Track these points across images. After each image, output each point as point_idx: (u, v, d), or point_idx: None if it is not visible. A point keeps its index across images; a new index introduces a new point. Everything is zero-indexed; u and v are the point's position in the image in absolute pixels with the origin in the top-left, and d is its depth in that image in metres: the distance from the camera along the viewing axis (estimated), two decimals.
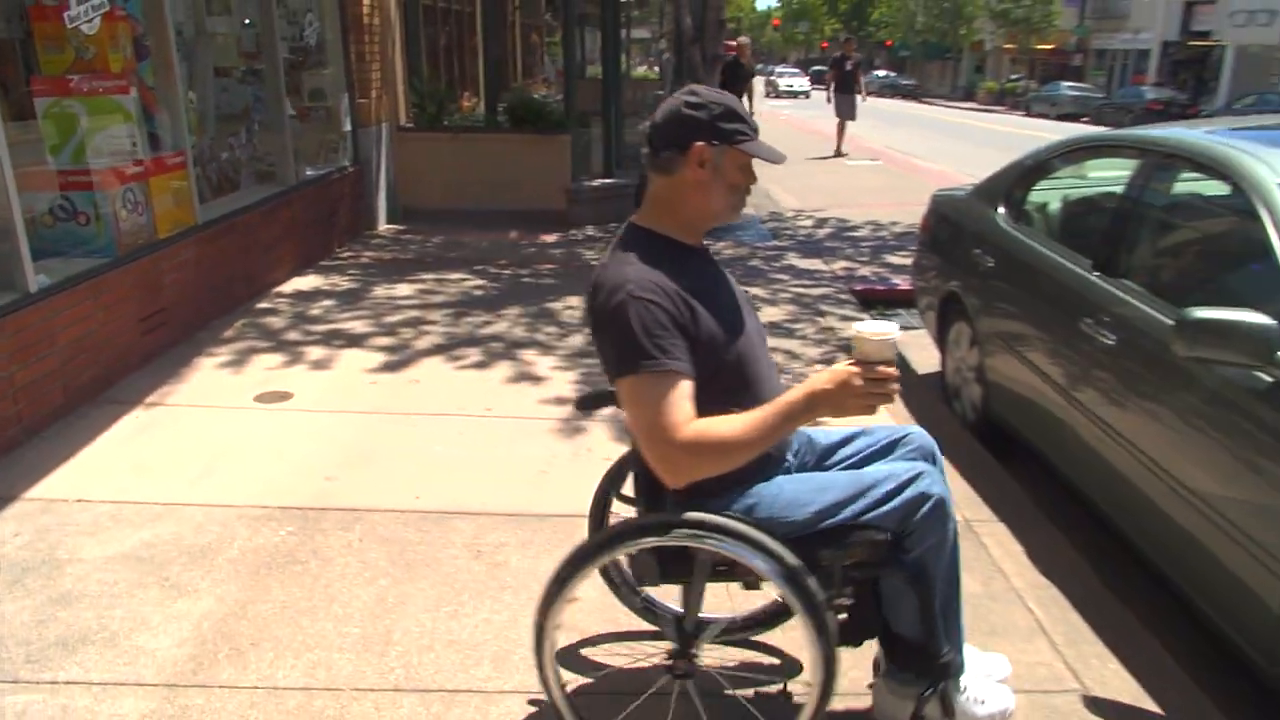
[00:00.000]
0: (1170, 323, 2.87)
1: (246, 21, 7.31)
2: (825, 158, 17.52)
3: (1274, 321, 2.51)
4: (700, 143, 2.08)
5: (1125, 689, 2.72)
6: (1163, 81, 35.63)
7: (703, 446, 1.98)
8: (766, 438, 2.00)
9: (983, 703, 2.37)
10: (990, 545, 3.48)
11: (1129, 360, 3.22)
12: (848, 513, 2.13)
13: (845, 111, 17.27)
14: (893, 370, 1.94)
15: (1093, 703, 2.66)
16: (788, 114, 33.24)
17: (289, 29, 7.94)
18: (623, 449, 4.14)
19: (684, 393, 1.98)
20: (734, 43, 13.98)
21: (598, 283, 2.10)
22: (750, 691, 2.62)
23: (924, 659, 2.26)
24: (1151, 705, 2.67)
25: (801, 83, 51.52)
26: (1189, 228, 3.72)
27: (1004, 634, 2.94)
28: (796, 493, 2.16)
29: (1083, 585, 3.26)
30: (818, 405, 1.96)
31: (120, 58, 5.06)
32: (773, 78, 53.35)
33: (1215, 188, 3.34)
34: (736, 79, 13.32)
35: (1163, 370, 3.01)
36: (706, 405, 2.01)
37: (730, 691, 2.56)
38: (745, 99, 13.71)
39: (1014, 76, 46.71)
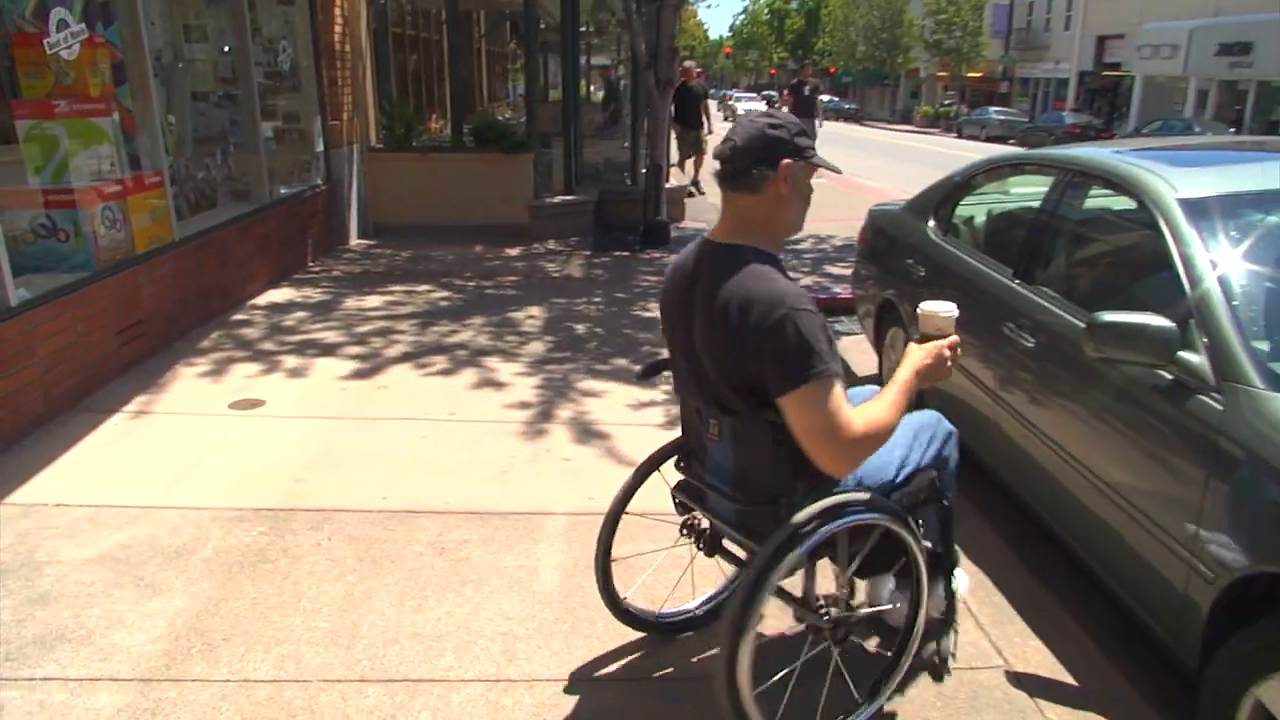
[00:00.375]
0: (1082, 326, 2.93)
1: (225, 49, 7.21)
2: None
3: (1174, 325, 2.56)
4: (787, 160, 2.12)
5: (1044, 663, 2.76)
6: (1080, 107, 36.36)
7: (870, 436, 2.05)
8: (901, 414, 2.12)
9: (961, 580, 2.80)
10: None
11: (1046, 361, 3.28)
12: (912, 462, 2.45)
13: None
14: (956, 339, 2.26)
15: (1015, 677, 2.69)
16: None
17: (264, 55, 7.85)
18: (581, 450, 4.16)
19: (843, 391, 2.05)
20: (683, 68, 14.00)
21: (747, 300, 2.04)
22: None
23: (940, 562, 2.58)
24: (1067, 678, 2.71)
25: (759, 107, 50.74)
26: (1099, 239, 3.78)
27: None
28: (877, 457, 2.19)
29: (1007, 570, 3.31)
30: (923, 377, 2.19)
31: (99, 82, 4.98)
32: (729, 101, 52.18)
33: (1122, 203, 3.41)
34: (689, 102, 13.38)
35: (1076, 370, 3.06)
36: None
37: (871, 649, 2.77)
38: (703, 119, 13.76)
39: (947, 101, 47.41)
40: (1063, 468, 3.09)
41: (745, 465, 2.26)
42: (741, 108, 48.52)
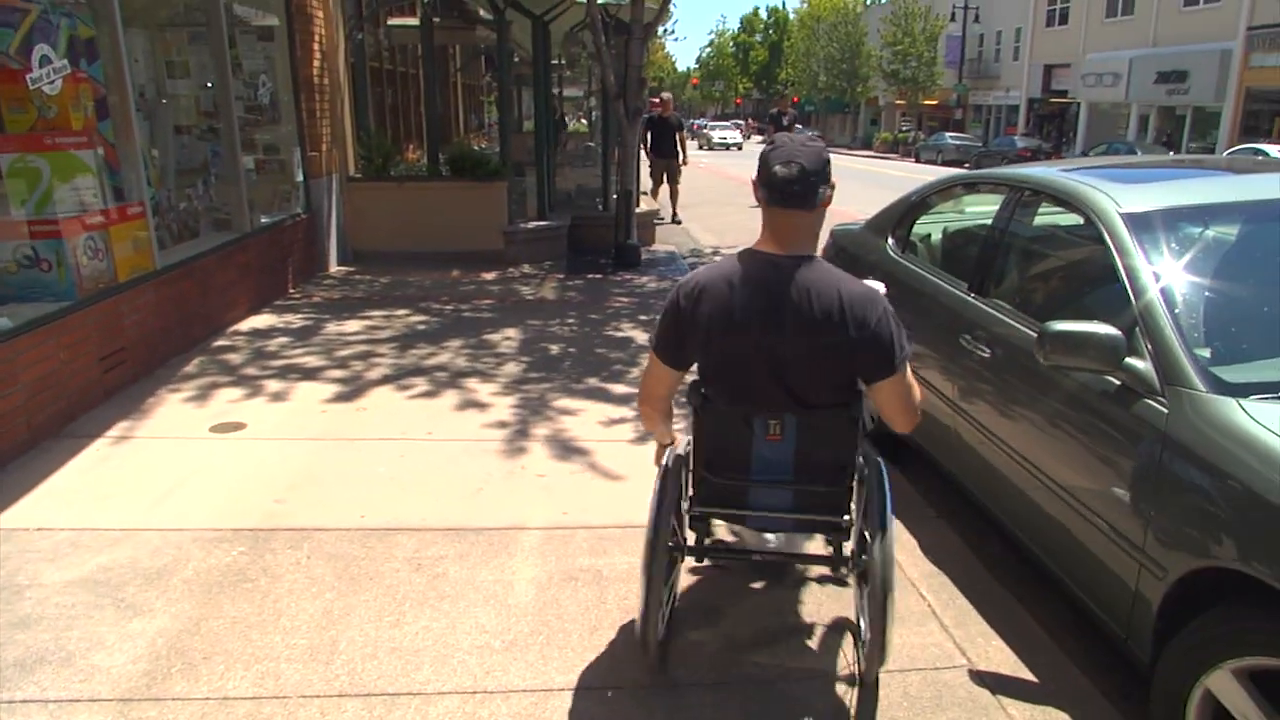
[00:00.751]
0: (1034, 335, 2.95)
1: (207, 85, 7.17)
2: (753, 206, 17.27)
3: (1120, 333, 2.58)
4: (833, 178, 2.33)
5: (1005, 661, 2.76)
6: (1030, 132, 36.92)
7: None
8: None
9: None
10: None
11: (1002, 370, 3.30)
12: None
13: None
14: None
15: (977, 676, 2.68)
16: (707, 163, 33.13)
17: (244, 89, 7.81)
18: (556, 466, 4.13)
19: None
20: (657, 100, 14.01)
21: (850, 300, 2.25)
22: None
23: None
24: (1028, 674, 2.71)
25: (734, 136, 48.89)
26: (1049, 254, 3.82)
27: (900, 620, 2.95)
28: None
29: (966, 570, 3.31)
30: None
31: (81, 116, 4.92)
32: (704, 130, 51.10)
33: (1070, 218, 3.45)
34: (665, 132, 13.29)
35: (1030, 378, 3.08)
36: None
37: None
38: (678, 148, 13.51)
39: (904, 128, 47.92)
40: (1019, 472, 3.11)
41: (809, 452, 2.47)
42: (717, 135, 48.12)
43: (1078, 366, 2.68)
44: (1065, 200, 3.33)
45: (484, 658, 2.73)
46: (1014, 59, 39.74)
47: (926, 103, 46.03)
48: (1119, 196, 3.07)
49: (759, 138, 44.97)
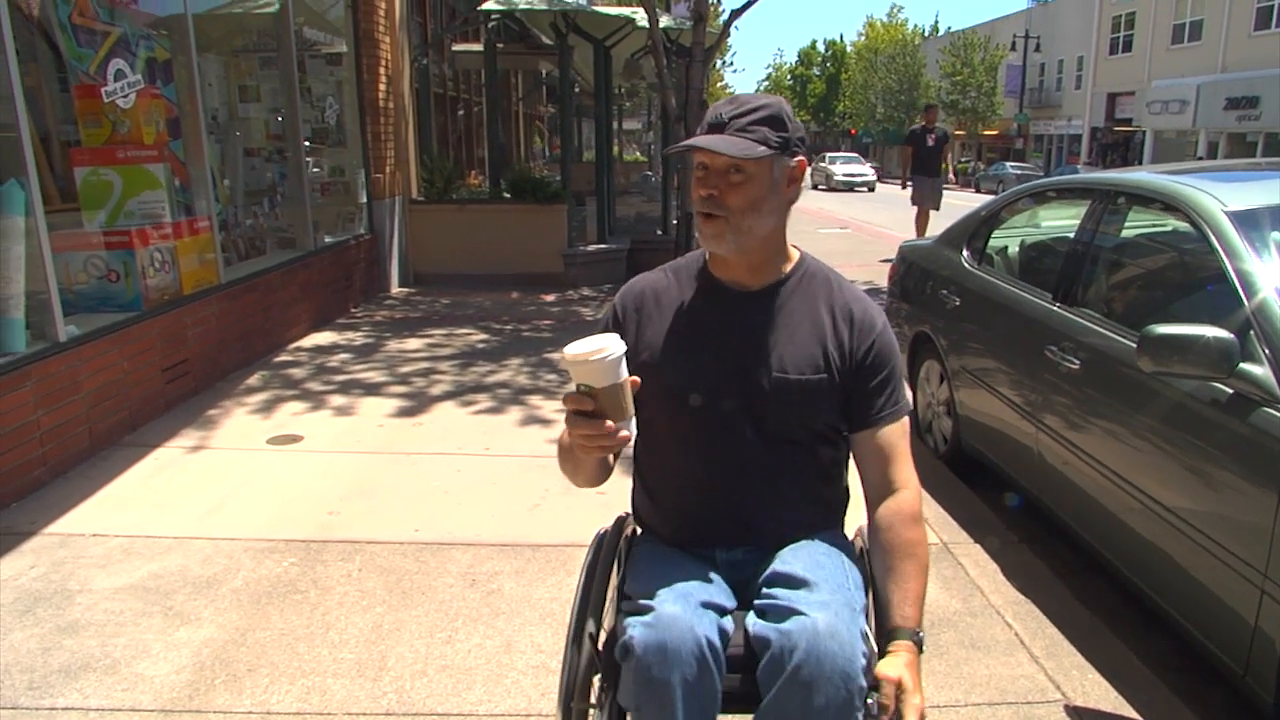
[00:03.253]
0: (1130, 345, 2.71)
1: (279, 117, 7.23)
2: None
3: (1233, 335, 2.34)
4: None
5: (1105, 698, 2.49)
6: (1093, 161, 36.04)
7: None
8: None
9: None
10: (968, 565, 3.26)
11: (1093, 382, 3.04)
12: None
13: (927, 198, 12.10)
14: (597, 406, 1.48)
15: (1075, 712, 2.43)
16: (827, 209, 23.63)
17: (312, 112, 7.89)
18: (616, 481, 3.95)
19: None
20: None
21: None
22: None
23: None
24: (1130, 713, 2.44)
25: (864, 172, 36.19)
26: (1142, 258, 3.56)
27: (984, 648, 2.72)
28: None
29: (1056, 599, 3.04)
30: None
31: (153, 130, 4.95)
32: (821, 164, 37.44)
33: (1164, 220, 3.21)
34: None
35: (1126, 389, 2.83)
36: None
37: None
38: None
39: (964, 159, 47.26)
40: (1114, 492, 2.85)
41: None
42: (841, 171, 35.83)
43: (1184, 373, 2.43)
44: (1162, 201, 3.09)
45: (539, 678, 2.55)
46: (1076, 88, 38.94)
47: (986, 133, 45.35)
48: (1222, 195, 2.83)
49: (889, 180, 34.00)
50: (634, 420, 1.52)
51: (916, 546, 1.66)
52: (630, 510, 1.94)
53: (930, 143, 11.62)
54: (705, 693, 1.46)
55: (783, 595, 1.54)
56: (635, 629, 1.47)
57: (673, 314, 1.74)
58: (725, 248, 1.65)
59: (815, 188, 33.93)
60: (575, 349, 1.44)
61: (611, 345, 1.45)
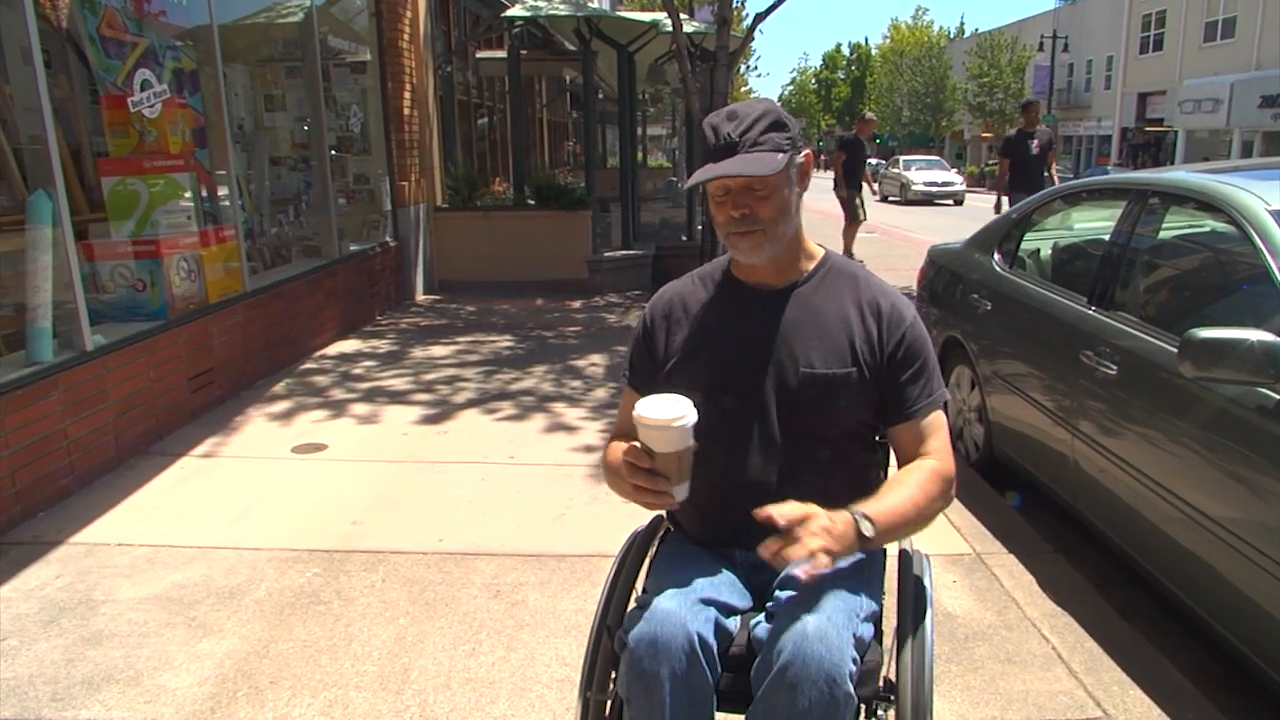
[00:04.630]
0: (1171, 348, 2.64)
1: (305, 126, 7.27)
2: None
3: (1278, 338, 2.26)
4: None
5: (1148, 715, 2.41)
6: (1124, 162, 35.57)
7: None
8: None
9: None
10: (1002, 576, 3.18)
11: (1131, 388, 2.96)
12: None
13: None
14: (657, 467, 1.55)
15: None
16: (894, 228, 18.78)
17: (336, 120, 7.93)
18: None
19: None
20: (861, 119, 12.02)
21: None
22: None
23: None
24: None
25: (951, 180, 28.57)
26: (1180, 259, 3.46)
27: (1021, 662, 2.64)
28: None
29: (1094, 611, 2.96)
30: None
31: (179, 140, 4.98)
32: (892, 170, 30.27)
33: (1205, 221, 3.12)
34: (857, 159, 11.22)
35: (1166, 395, 2.75)
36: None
37: None
38: (862, 180, 11.27)
39: (991, 161, 46.81)
40: (1154, 501, 2.76)
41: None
42: (920, 178, 28.15)
43: (1227, 379, 2.35)
44: (1201, 201, 3.00)
45: (564, 692, 2.51)
46: (1105, 88, 38.48)
47: None
48: (1265, 193, 2.74)
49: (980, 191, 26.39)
50: (688, 485, 1.57)
51: (926, 480, 1.64)
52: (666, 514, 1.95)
53: (1034, 150, 8.98)
54: (696, 688, 1.49)
55: (786, 598, 1.57)
56: (632, 623, 1.54)
57: (701, 318, 1.79)
58: (764, 257, 1.70)
59: (885, 199, 26.49)
60: (650, 412, 1.49)
61: (685, 414, 1.51)
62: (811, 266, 1.77)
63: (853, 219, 11.54)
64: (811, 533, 1.45)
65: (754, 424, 1.70)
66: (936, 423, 1.72)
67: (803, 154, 1.68)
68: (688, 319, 1.79)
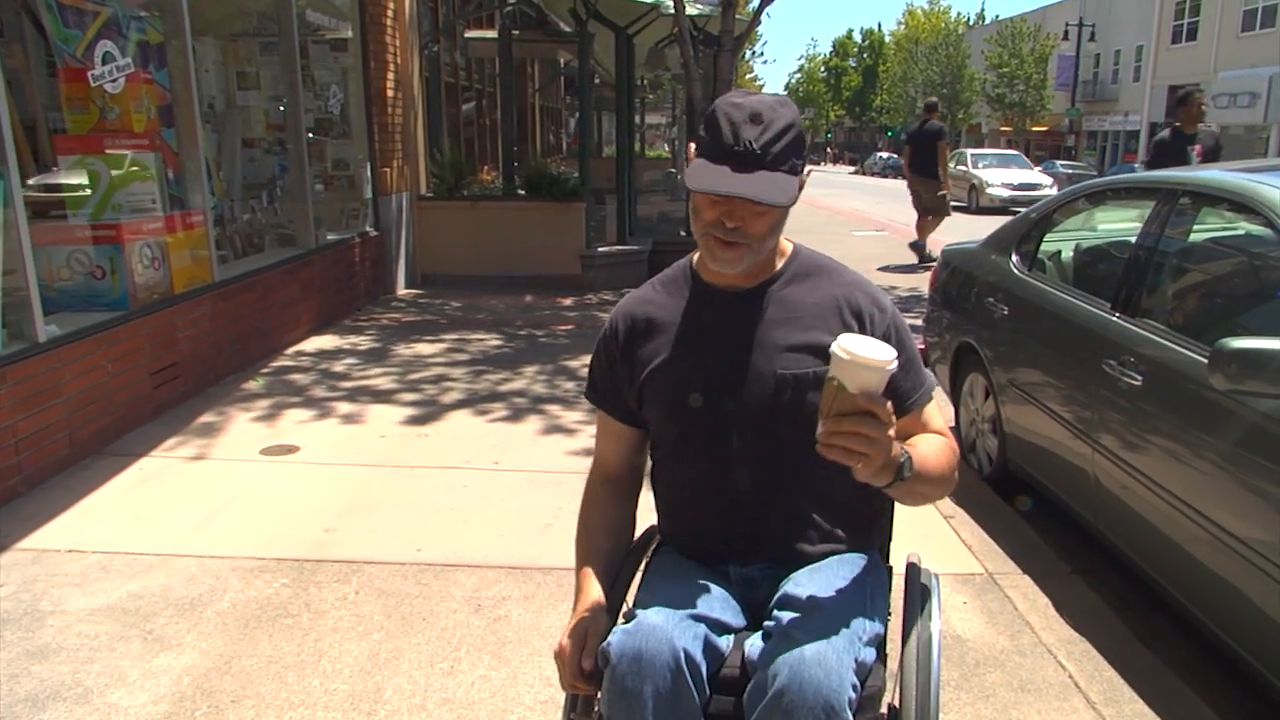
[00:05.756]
0: (1201, 359, 2.63)
1: (281, 106, 7.24)
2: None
3: None
4: None
5: None
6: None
7: None
8: None
9: None
10: (1015, 598, 3.17)
11: (1157, 400, 2.95)
12: None
13: None
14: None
15: None
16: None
17: (315, 101, 7.91)
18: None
19: None
20: (928, 103, 12.01)
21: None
22: None
23: None
24: None
25: (1036, 182, 23.71)
26: (1213, 263, 3.46)
27: (1035, 691, 2.63)
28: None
29: (1114, 637, 2.95)
30: None
31: (144, 118, 4.96)
32: (959, 170, 22.61)
33: (1237, 222, 3.12)
34: (925, 144, 11.15)
35: (1196, 409, 2.74)
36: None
37: None
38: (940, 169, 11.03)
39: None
40: (1180, 521, 2.76)
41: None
42: (995, 179, 23.21)
43: (1262, 391, 2.35)
44: (1236, 201, 3.00)
45: (548, 714, 2.50)
46: (1134, 79, 38.61)
47: (1035, 129, 45.05)
48: None
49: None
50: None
51: (945, 449, 1.67)
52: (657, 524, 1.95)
53: (1195, 158, 7.38)
54: (682, 709, 1.47)
55: (783, 618, 1.54)
56: (615, 636, 1.51)
57: (668, 325, 1.77)
58: (741, 268, 1.67)
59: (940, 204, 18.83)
60: (869, 351, 1.37)
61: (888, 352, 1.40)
62: (782, 263, 1.76)
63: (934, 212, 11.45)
64: (857, 430, 1.39)
65: (735, 433, 1.68)
66: (932, 409, 1.75)
67: (806, 172, 1.65)
68: (653, 327, 1.77)
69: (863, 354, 1.37)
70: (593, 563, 1.74)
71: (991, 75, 44.90)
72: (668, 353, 1.73)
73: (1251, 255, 3.09)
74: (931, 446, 1.66)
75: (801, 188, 1.64)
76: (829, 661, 1.43)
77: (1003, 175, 23.69)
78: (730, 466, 1.69)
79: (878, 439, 1.40)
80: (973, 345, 4.40)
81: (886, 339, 1.66)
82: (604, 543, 1.79)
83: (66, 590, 3.08)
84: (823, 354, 1.60)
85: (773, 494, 1.69)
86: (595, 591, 1.68)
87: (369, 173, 8.41)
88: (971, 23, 58.02)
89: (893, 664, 1.71)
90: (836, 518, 1.73)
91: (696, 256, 1.78)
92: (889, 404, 1.41)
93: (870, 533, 1.80)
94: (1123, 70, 39.80)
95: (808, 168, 1.67)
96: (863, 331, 1.68)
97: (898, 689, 1.60)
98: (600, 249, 9.72)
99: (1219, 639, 2.66)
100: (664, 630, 1.49)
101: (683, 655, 1.47)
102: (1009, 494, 4.12)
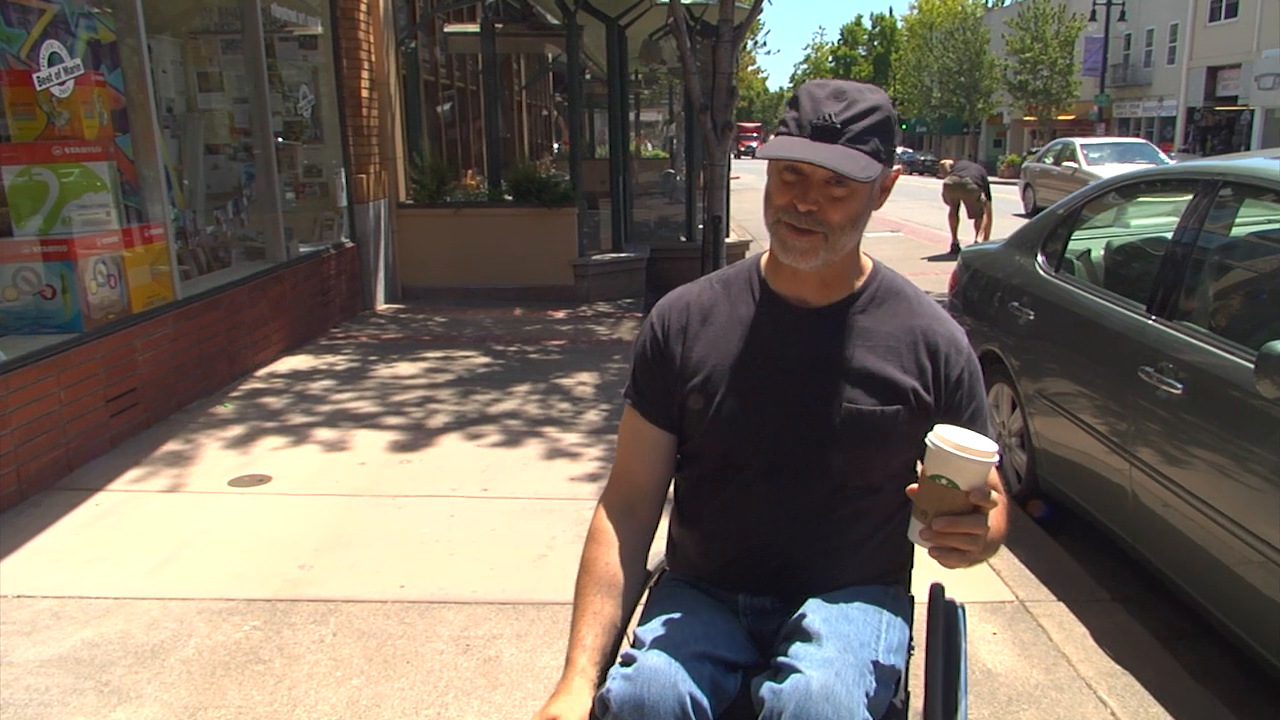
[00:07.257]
0: (1246, 365, 2.62)
1: (246, 109, 7.27)
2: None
3: None
4: None
5: None
6: (1191, 148, 35.81)
7: None
8: None
9: None
10: (1050, 628, 3.16)
11: (1201, 410, 2.94)
12: None
13: None
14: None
15: None
16: None
17: (283, 103, 7.93)
18: None
19: None
20: None
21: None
22: None
23: None
24: None
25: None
26: (1259, 261, 3.46)
27: None
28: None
29: (1160, 670, 2.94)
30: None
31: (96, 124, 4.97)
32: (1059, 164, 20.00)
33: None
34: None
35: (1244, 419, 2.73)
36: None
37: None
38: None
39: (1033, 149, 47.10)
40: (1227, 541, 2.75)
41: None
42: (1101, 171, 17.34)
43: None
44: None
45: None
46: (1169, 61, 38.75)
47: (1061, 118, 45.16)
48: None
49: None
50: None
51: (1004, 514, 1.62)
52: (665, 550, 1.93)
53: None
54: None
55: (792, 650, 1.53)
56: (615, 681, 1.50)
57: (724, 333, 1.73)
58: (815, 264, 1.61)
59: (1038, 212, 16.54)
60: (973, 443, 1.41)
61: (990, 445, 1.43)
62: (860, 284, 1.72)
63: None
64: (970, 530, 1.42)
65: (785, 463, 1.67)
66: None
67: (894, 169, 1.63)
68: (707, 332, 1.73)
69: (969, 446, 1.40)
70: (588, 627, 1.63)
71: (1013, 61, 45.03)
72: (725, 363, 1.69)
73: None
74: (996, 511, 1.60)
75: (887, 189, 1.63)
76: (838, 696, 1.42)
77: (1125, 172, 21.10)
78: (776, 498, 1.68)
79: (983, 535, 1.43)
80: (997, 354, 4.40)
81: (959, 384, 1.66)
82: (606, 606, 1.66)
83: (14, 640, 3.06)
84: (893, 391, 1.65)
85: (813, 529, 1.68)
86: (581, 665, 1.58)
87: (343, 179, 8.43)
88: (990, 5, 58.31)
89: (916, 702, 1.70)
90: (869, 554, 1.73)
91: (765, 259, 1.75)
92: (991, 493, 1.42)
93: (893, 565, 1.80)
94: (1156, 51, 39.94)
95: (896, 166, 1.64)
96: (936, 372, 1.67)
97: None
98: (594, 257, 9.76)
99: (1274, 668, 2.64)
100: (667, 674, 1.48)
101: (688, 700, 1.46)
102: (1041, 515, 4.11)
